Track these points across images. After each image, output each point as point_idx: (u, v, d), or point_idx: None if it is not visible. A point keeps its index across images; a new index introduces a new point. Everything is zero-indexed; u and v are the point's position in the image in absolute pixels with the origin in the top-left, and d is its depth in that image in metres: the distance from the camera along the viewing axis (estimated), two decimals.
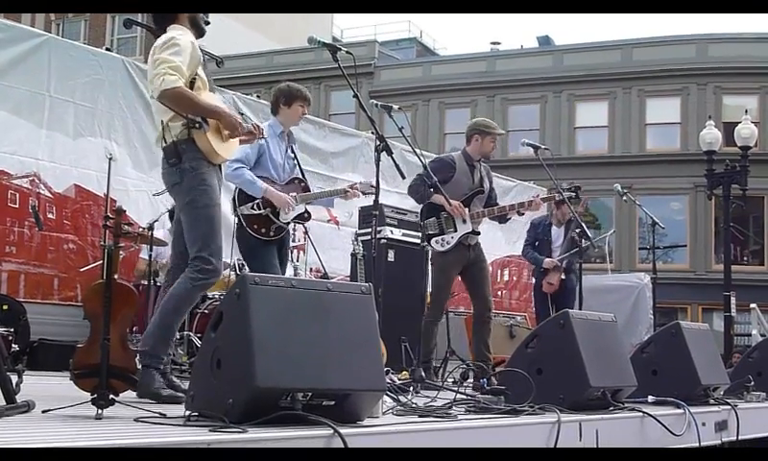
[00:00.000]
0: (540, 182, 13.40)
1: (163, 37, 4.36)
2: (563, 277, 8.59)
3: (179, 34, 4.37)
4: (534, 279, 9.24)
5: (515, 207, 7.03)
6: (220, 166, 4.58)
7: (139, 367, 3.54)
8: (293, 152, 6.14)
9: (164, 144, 4.34)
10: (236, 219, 5.87)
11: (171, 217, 7.80)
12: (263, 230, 5.79)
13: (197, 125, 4.27)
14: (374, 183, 5.73)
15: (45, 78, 7.80)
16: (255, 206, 5.78)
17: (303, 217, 6.13)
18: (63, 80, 7.89)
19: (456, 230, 6.72)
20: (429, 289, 6.99)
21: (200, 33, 4.61)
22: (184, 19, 4.53)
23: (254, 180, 5.76)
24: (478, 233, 6.85)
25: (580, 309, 7.65)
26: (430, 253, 6.92)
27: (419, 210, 8.09)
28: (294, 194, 5.95)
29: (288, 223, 5.93)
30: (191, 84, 4.33)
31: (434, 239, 6.73)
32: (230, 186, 5.98)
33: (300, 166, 6.22)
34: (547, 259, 8.67)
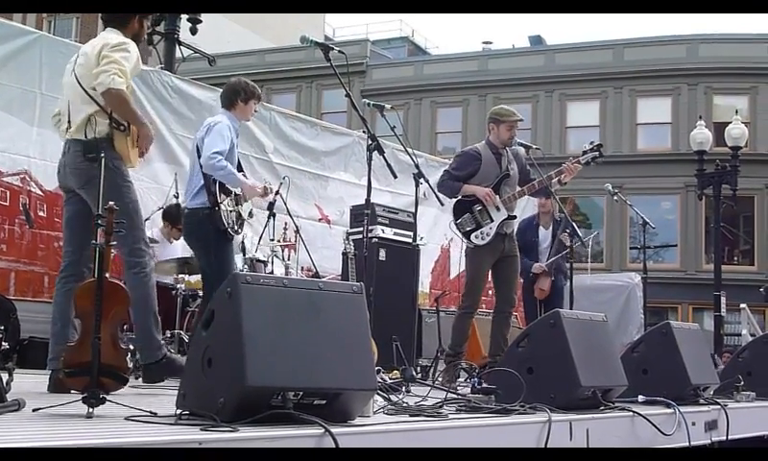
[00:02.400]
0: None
1: (116, 38, 4.61)
2: (552, 278, 8.57)
3: (128, 42, 4.66)
4: (522, 281, 9.23)
5: (543, 181, 6.76)
6: None
7: (130, 365, 3.54)
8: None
9: (84, 137, 4.51)
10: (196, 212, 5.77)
11: (164, 216, 7.80)
12: (235, 228, 5.74)
13: (122, 128, 4.54)
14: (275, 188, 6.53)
15: (36, 75, 7.77)
16: (229, 203, 5.71)
17: (250, 214, 6.16)
18: (55, 77, 7.81)
19: (492, 220, 6.61)
20: (421, 288, 6.99)
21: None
22: (134, 25, 4.81)
23: (234, 172, 5.67)
24: (515, 217, 6.79)
25: (571, 309, 7.66)
26: (464, 248, 6.84)
27: (410, 210, 8.12)
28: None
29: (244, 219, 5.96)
30: None
31: (473, 235, 6.61)
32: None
33: (239, 162, 6.18)
34: (536, 265, 8.59)
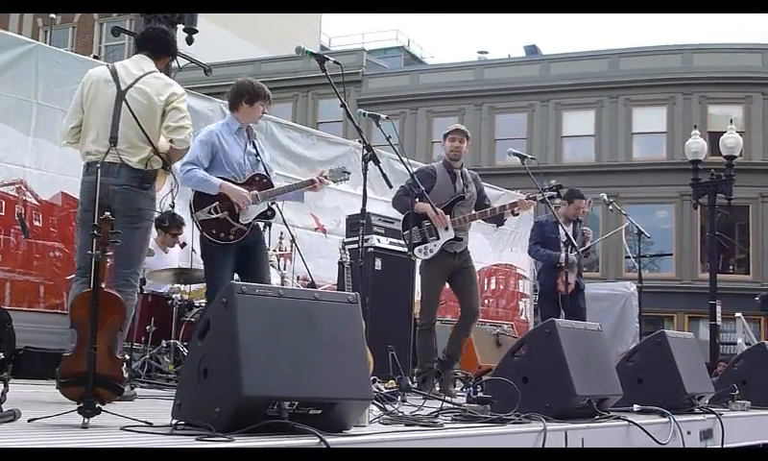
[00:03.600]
0: (527, 191, 13.40)
1: (179, 87, 4.95)
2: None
3: (184, 92, 5.01)
4: (537, 284, 9.12)
5: (496, 210, 6.96)
6: None
7: (126, 376, 3.54)
8: (255, 147, 5.87)
9: (144, 168, 4.81)
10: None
11: (157, 224, 7.77)
12: (222, 235, 5.55)
13: (167, 168, 4.98)
14: (348, 169, 5.96)
15: (33, 85, 7.76)
16: (213, 210, 5.55)
17: (266, 215, 5.80)
18: (51, 87, 7.86)
19: (439, 238, 6.74)
20: (417, 297, 7.02)
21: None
22: (166, 58, 5.24)
23: (207, 177, 5.53)
24: (461, 240, 6.86)
25: (566, 318, 7.66)
26: (419, 262, 6.93)
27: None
28: (255, 191, 5.67)
29: (249, 223, 5.65)
30: None
31: (417, 248, 6.76)
32: (186, 192, 5.91)
33: (263, 163, 5.90)
34: (563, 255, 8.19)
